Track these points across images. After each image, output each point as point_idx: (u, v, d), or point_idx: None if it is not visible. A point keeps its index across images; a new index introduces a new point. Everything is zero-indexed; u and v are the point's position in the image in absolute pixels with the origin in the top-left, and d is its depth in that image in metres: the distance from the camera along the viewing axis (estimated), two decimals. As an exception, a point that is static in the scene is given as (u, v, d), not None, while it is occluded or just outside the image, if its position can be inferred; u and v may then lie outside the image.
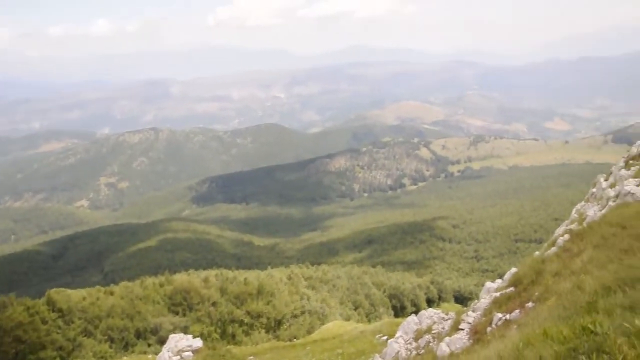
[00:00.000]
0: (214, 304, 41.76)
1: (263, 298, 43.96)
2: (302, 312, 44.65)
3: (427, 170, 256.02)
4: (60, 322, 34.16)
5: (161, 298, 41.27)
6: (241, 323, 40.62)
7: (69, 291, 40.32)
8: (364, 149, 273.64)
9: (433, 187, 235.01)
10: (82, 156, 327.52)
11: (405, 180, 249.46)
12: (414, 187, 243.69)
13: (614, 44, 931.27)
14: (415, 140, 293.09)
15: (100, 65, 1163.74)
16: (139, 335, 36.83)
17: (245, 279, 47.64)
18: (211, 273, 51.94)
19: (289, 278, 52.37)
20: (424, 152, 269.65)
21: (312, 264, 76.25)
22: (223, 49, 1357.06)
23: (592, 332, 4.44)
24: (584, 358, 4.03)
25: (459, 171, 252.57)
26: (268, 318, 42.06)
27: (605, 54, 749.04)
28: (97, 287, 45.09)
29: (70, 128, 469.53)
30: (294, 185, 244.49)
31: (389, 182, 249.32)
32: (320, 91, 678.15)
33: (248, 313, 41.70)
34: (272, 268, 68.38)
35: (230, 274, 51.78)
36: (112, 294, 40.90)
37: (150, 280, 45.58)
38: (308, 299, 47.26)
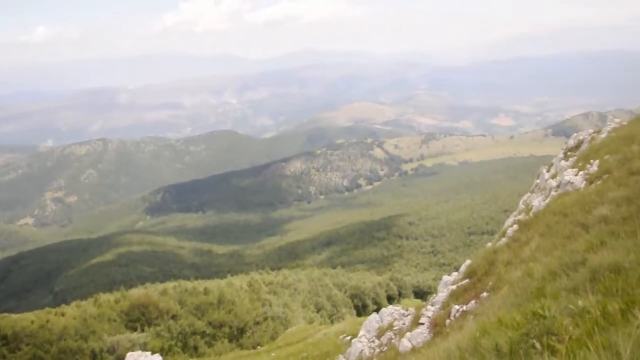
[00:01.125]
0: (173, 316, 40.79)
1: (224, 307, 43.31)
2: (265, 319, 44.30)
3: (382, 170, 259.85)
4: (4, 350, 32.33)
5: (117, 315, 39.90)
6: (203, 334, 39.86)
7: (14, 316, 38.19)
8: (319, 152, 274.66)
9: (388, 186, 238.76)
10: (25, 171, 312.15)
11: (361, 181, 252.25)
12: (370, 186, 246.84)
13: (551, 45, 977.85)
14: (369, 140, 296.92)
15: (40, 75, 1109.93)
16: (94, 356, 35.43)
17: (205, 288, 46.80)
18: (169, 285, 50.68)
19: (250, 285, 51.82)
20: (377, 152, 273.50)
21: (273, 269, 75.85)
22: (171, 56, 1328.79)
23: (541, 316, 4.66)
24: (535, 341, 4.19)
25: (412, 169, 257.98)
26: (230, 327, 41.47)
27: (543, 53, 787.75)
28: (47, 308, 42.98)
29: (9, 142, 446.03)
30: (250, 190, 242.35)
31: (345, 183, 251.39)
32: (272, 95, 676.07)
33: (209, 323, 40.97)
34: (232, 276, 67.45)
35: (189, 284, 50.70)
36: (63, 314, 39.12)
37: (104, 297, 43.98)
38: (270, 305, 46.93)
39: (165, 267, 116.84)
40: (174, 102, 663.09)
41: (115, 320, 39.04)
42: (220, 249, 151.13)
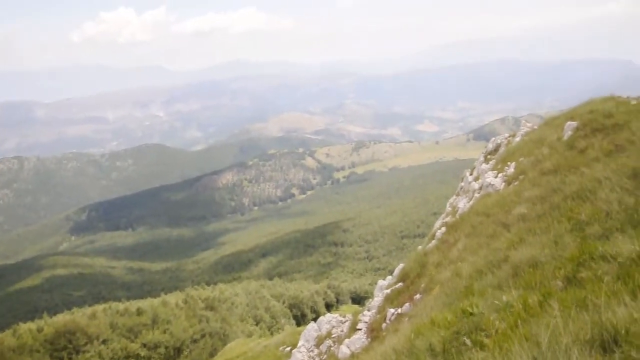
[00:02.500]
0: (104, 341, 38.66)
1: (159, 327, 41.68)
2: (202, 336, 43.11)
3: (314, 179, 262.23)
4: None
5: (40, 345, 37.18)
6: (137, 357, 38.11)
7: None
8: (251, 163, 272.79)
9: (321, 194, 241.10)
10: None
11: (294, 190, 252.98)
12: (303, 196, 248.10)
13: (470, 53, 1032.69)
14: (300, 150, 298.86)
15: None
16: (16, 389, 32.84)
17: (138, 309, 44.82)
18: (98, 308, 47.99)
19: (185, 302, 50.23)
20: (309, 162, 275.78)
21: (209, 284, 73.96)
22: (93, 67, 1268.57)
23: (470, 313, 4.90)
24: (465, 338, 4.39)
25: (344, 177, 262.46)
26: (166, 347, 39.94)
27: (464, 62, 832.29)
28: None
29: None
30: (182, 205, 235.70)
31: (279, 193, 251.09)
32: (201, 107, 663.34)
33: (144, 345, 39.24)
34: (166, 294, 65.10)
35: (120, 306, 48.28)
36: (-23, 349, 35.91)
37: (25, 327, 40.86)
38: (207, 321, 45.74)
39: (94, 290, 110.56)
40: (97, 116, 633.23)
41: (38, 351, 36.40)
42: (153, 266, 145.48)
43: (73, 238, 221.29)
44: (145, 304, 50.10)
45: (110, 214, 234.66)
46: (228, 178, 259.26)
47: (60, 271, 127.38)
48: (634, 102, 10.42)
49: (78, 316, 43.34)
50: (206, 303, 52.38)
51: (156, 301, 52.79)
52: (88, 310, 48.70)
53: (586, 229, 5.72)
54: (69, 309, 58.84)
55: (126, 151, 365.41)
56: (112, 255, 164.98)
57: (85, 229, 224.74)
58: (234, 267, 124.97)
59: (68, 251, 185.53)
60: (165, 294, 65.66)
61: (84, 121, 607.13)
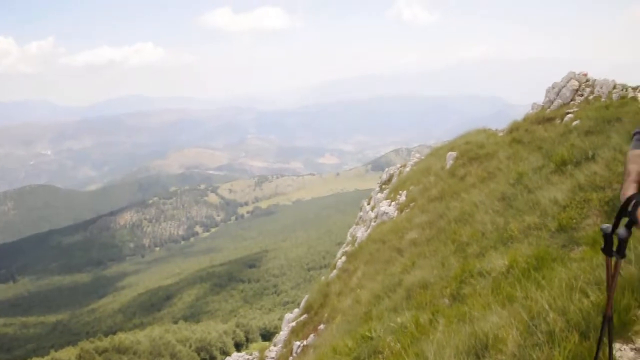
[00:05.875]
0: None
1: (47, 388, 37.68)
2: (99, 392, 39.62)
3: (218, 215, 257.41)
4: None
5: None
6: None
7: None
8: (151, 201, 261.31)
9: (226, 230, 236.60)
10: None
11: (198, 228, 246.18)
12: (207, 233, 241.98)
13: (365, 89, 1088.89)
14: (202, 186, 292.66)
15: None
16: None
17: (21, 370, 40.25)
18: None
19: (79, 357, 46.05)
20: (212, 198, 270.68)
21: (106, 335, 68.45)
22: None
23: (369, 338, 5.14)
24: (365, 362, 4.59)
25: (248, 212, 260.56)
26: (56, 410, 36.14)
27: (358, 97, 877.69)
28: None
29: None
30: (75, 249, 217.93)
31: (181, 232, 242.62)
32: (94, 144, 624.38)
33: (29, 411, 35.17)
34: (56, 350, 59.13)
35: (-1, 369, 43.08)
36: None
37: None
38: (104, 376, 42.22)
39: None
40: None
41: None
42: (40, 320, 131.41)
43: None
44: (31, 363, 45.25)
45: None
46: (126, 218, 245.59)
47: None
48: (500, 134, 11.74)
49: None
50: (104, 356, 48.51)
51: None
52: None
53: (467, 249, 6.29)
54: None
55: (6, 193, 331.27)
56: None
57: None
58: (135, 312, 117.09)
59: None
60: (56, 350, 59.64)
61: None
